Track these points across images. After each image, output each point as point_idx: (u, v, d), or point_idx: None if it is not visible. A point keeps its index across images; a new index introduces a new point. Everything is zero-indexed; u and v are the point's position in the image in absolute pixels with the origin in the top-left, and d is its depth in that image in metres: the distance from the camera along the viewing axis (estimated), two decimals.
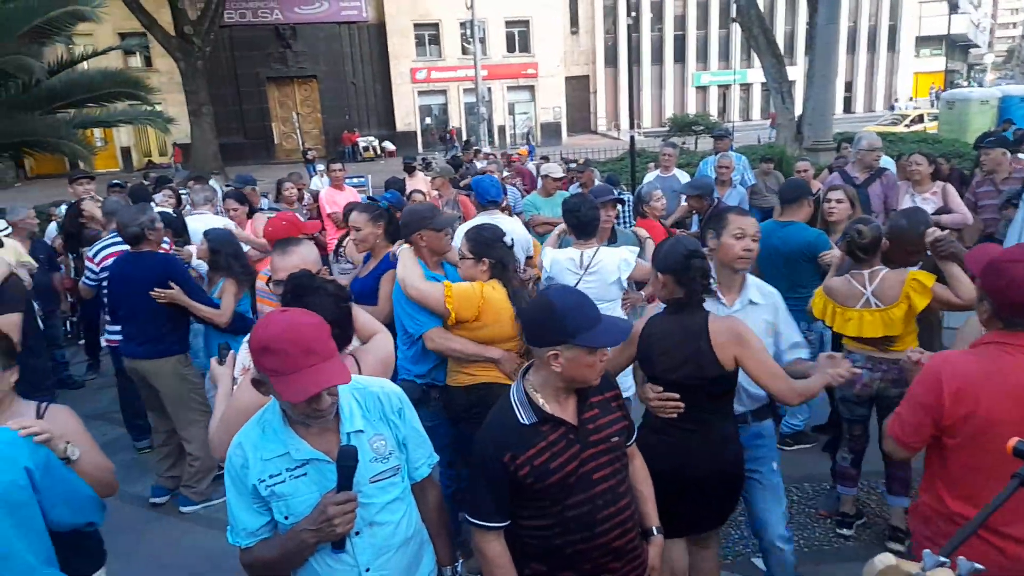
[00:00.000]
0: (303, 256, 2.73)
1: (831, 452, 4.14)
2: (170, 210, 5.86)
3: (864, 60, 43.49)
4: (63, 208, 6.80)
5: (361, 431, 1.84)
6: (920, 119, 24.83)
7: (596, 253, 3.81)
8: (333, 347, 1.73)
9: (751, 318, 2.73)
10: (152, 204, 5.72)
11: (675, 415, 2.52)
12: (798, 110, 14.50)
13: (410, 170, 9.66)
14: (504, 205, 5.91)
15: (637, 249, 4.03)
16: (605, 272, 3.78)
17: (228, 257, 4.40)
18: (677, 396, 2.51)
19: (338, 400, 1.80)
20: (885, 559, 1.17)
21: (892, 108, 38.60)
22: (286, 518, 1.78)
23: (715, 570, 2.93)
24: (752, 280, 2.92)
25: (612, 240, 4.34)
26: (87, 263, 5.06)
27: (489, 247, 3.13)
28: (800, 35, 38.99)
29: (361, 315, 2.63)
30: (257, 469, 1.77)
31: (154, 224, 4.28)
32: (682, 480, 2.49)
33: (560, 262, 3.87)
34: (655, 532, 2.21)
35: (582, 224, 3.84)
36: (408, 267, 3.25)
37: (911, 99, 41.72)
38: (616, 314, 3.63)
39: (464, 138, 26.14)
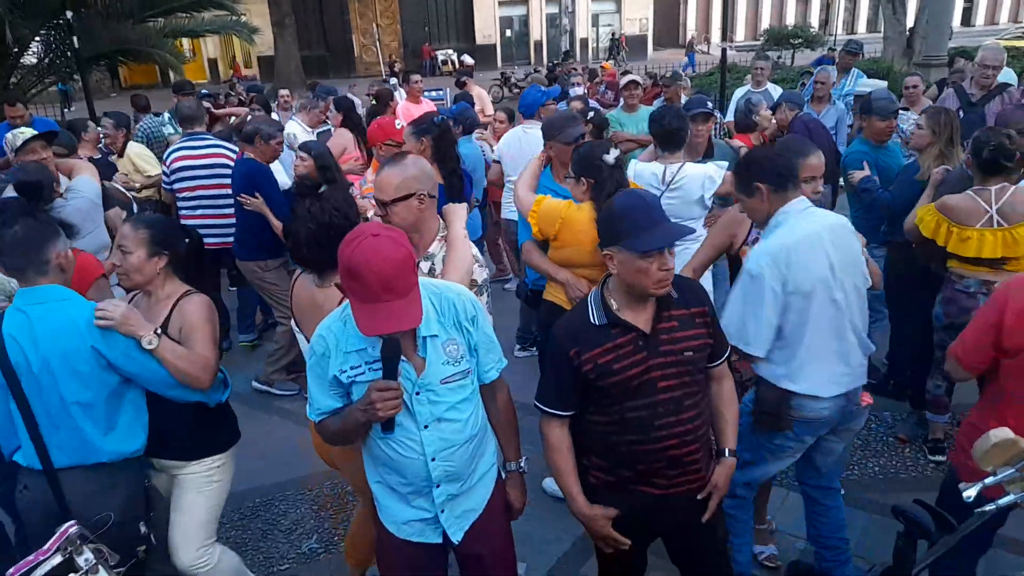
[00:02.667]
0: (400, 174, 2.40)
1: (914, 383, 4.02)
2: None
3: None
4: (166, 114, 6.99)
5: (436, 335, 1.90)
6: None
7: (680, 169, 3.66)
8: (413, 282, 1.76)
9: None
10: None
11: None
12: (910, 22, 13.27)
13: (461, 85, 9.07)
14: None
15: (725, 164, 3.84)
16: (688, 189, 3.64)
17: (330, 171, 4.27)
18: None
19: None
20: (1000, 433, 1.14)
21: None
22: None
23: None
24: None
25: (709, 154, 4.17)
26: (162, 167, 5.24)
27: (589, 167, 2.98)
28: None
29: (454, 229, 2.50)
30: (338, 360, 1.87)
31: (267, 138, 4.44)
32: None
33: (643, 176, 3.72)
34: (727, 454, 2.20)
35: (666, 135, 3.69)
36: (523, 175, 3.37)
37: None
38: (699, 232, 3.51)
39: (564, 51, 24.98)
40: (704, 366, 2.14)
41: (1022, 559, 2.97)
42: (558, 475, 2.18)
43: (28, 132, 3.83)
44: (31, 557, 1.60)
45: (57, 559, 1.61)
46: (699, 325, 2.08)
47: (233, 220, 4.69)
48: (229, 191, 4.66)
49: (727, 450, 2.21)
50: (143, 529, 2.31)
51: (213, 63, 31.03)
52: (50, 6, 10.72)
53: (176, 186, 4.98)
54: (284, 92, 8.63)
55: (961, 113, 5.51)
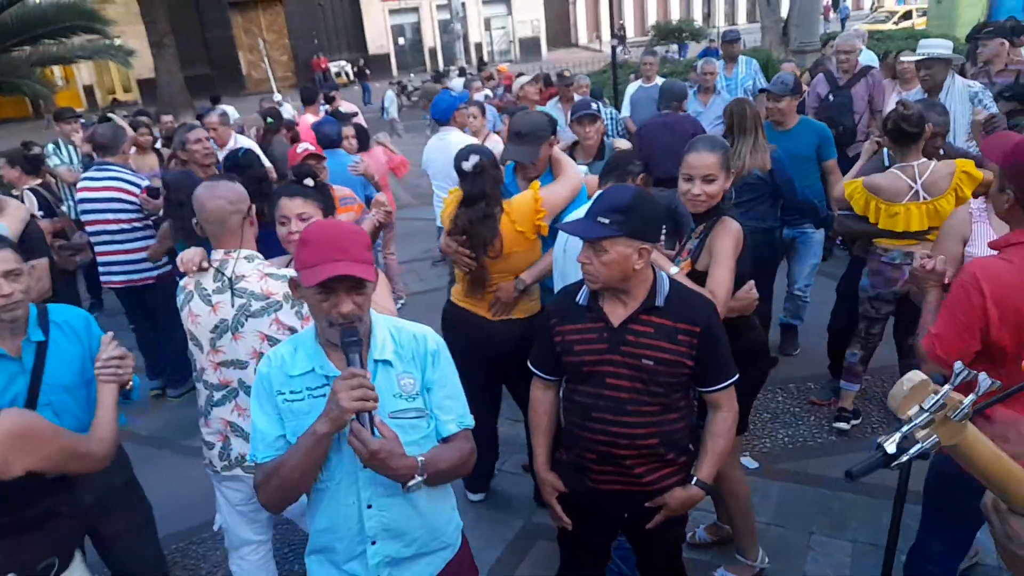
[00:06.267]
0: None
1: (833, 352, 4.17)
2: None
3: None
4: (50, 146, 6.45)
5: (389, 363, 1.76)
6: (908, 15, 24.12)
7: None
8: (367, 257, 1.67)
9: None
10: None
11: None
12: (784, 12, 14.05)
13: (329, 100, 8.51)
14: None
15: (585, 167, 3.84)
16: None
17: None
18: None
19: (368, 322, 1.73)
20: (913, 376, 1.13)
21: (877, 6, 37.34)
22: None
23: None
24: None
25: (600, 156, 4.22)
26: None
27: (456, 171, 3.00)
28: None
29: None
30: (279, 382, 1.74)
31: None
32: None
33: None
34: (694, 482, 2.11)
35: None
36: None
37: None
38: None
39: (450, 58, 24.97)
40: (671, 381, 2.04)
41: None
42: (531, 431, 2.32)
43: None
44: None
45: None
46: (680, 342, 2.00)
47: (141, 255, 4.67)
48: (131, 225, 4.65)
49: (695, 477, 2.12)
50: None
51: (89, 90, 29.30)
52: None
53: (83, 219, 4.81)
54: (167, 118, 8.23)
55: (831, 96, 5.86)
